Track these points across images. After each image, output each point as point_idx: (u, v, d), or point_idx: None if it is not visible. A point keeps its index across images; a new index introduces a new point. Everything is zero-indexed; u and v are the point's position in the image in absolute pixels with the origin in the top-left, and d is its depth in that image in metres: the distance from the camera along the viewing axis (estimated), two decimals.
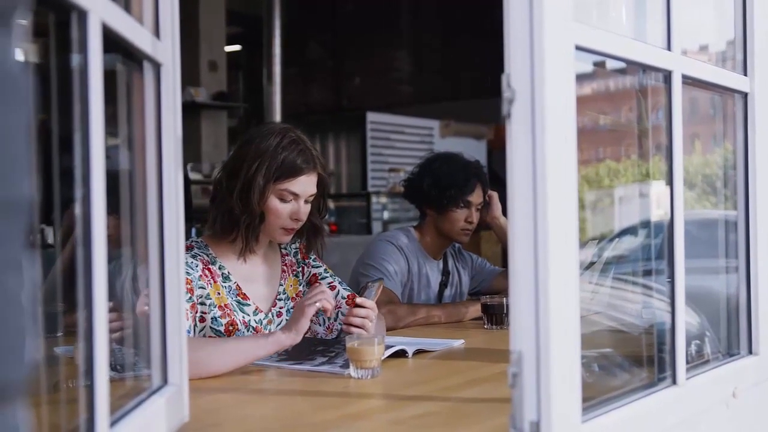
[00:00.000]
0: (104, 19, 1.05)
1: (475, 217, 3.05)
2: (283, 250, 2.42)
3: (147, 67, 1.35)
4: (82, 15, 1.01)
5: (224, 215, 2.21)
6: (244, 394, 1.80)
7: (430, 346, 2.27)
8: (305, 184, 2.22)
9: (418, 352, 2.20)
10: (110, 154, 1.12)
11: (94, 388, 1.02)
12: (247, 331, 2.22)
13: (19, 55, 0.60)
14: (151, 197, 1.37)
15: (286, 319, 2.31)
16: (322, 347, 2.13)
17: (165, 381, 1.39)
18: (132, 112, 1.37)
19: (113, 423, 1.11)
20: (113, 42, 1.14)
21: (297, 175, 2.19)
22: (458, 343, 2.38)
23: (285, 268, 2.39)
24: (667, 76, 1.54)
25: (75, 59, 1.03)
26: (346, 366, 1.92)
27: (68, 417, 1.23)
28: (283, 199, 2.20)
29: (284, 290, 2.36)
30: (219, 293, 2.20)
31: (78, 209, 1.02)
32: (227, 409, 1.69)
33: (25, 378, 0.60)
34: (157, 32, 1.36)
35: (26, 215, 0.60)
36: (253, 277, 2.30)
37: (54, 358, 1.57)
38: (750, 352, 1.83)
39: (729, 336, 1.88)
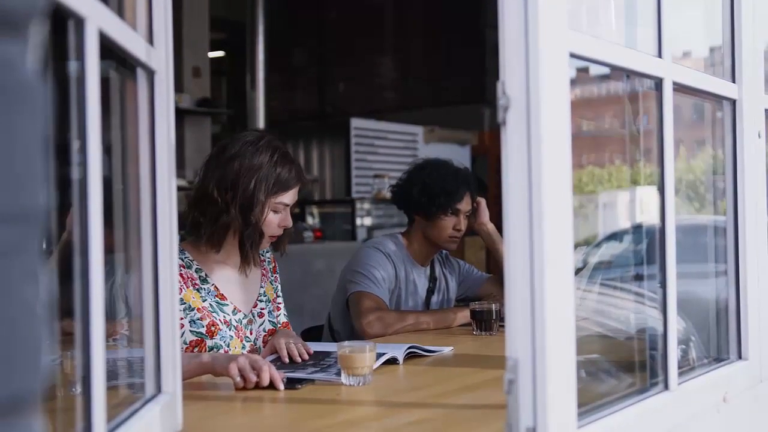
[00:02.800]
0: (101, 27, 1.05)
1: (463, 224, 3.05)
2: (260, 255, 2.47)
3: (140, 74, 1.35)
4: (80, 22, 1.00)
5: (222, 230, 2.26)
6: (237, 403, 1.79)
7: (421, 350, 2.27)
8: (294, 195, 2.33)
9: (410, 356, 2.20)
10: (103, 161, 1.12)
11: (91, 397, 1.01)
12: (229, 330, 2.26)
13: (34, 66, 0.59)
14: (144, 204, 1.37)
15: (268, 320, 2.40)
16: (312, 360, 2.13)
17: (159, 389, 1.38)
18: (125, 119, 1.37)
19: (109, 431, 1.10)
20: (107, 49, 1.13)
21: (291, 188, 2.30)
22: (448, 350, 2.38)
23: (264, 272, 2.47)
24: (659, 83, 1.55)
25: (71, 66, 1.02)
26: (339, 375, 1.92)
27: (63, 425, 1.23)
28: (275, 211, 2.29)
29: (264, 292, 2.43)
30: (194, 297, 2.24)
31: (75, 217, 1.01)
32: (220, 417, 1.68)
33: (41, 388, 0.60)
34: (150, 39, 1.36)
35: (42, 225, 0.59)
36: (233, 279, 2.35)
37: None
38: (740, 357, 1.84)
39: (718, 341, 1.90)
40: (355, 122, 8.38)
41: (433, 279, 3.19)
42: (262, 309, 2.40)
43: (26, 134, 0.57)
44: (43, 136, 0.60)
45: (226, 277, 2.34)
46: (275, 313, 2.47)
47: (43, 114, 0.59)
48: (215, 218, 2.24)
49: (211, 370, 1.95)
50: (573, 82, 1.54)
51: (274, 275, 2.52)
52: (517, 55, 1.18)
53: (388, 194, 3.32)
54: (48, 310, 0.61)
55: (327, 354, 2.20)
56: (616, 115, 1.98)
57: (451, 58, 9.34)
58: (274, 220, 2.29)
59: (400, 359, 2.15)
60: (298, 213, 7.32)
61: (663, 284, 1.55)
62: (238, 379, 1.84)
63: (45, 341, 0.60)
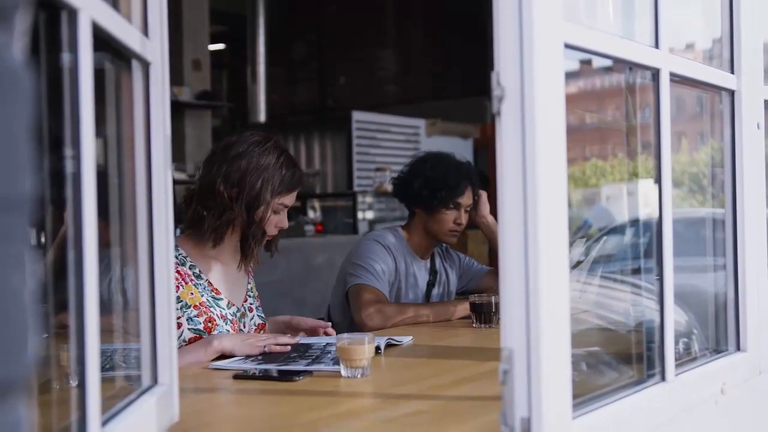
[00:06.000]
0: (94, 18, 1.05)
1: (464, 218, 3.05)
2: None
3: (135, 66, 1.34)
4: (72, 13, 1.00)
5: (225, 225, 2.29)
6: (234, 394, 1.79)
7: (393, 341, 2.33)
8: (294, 197, 2.39)
9: (412, 349, 2.22)
10: (97, 154, 1.12)
11: (86, 388, 1.01)
12: (225, 324, 2.30)
13: (20, 54, 0.60)
14: (140, 197, 1.37)
15: (257, 315, 2.46)
16: (295, 354, 2.13)
17: (155, 381, 1.38)
18: (120, 112, 1.37)
19: (104, 423, 1.10)
20: (102, 40, 1.13)
21: (294, 191, 2.36)
22: (408, 340, 2.40)
23: (250, 270, 2.52)
24: (655, 74, 1.54)
25: (65, 58, 1.02)
26: (336, 363, 1.92)
27: (58, 417, 1.23)
28: (275, 212, 2.34)
29: (251, 288, 2.49)
30: (192, 293, 2.27)
31: (68, 210, 1.01)
32: (217, 409, 1.68)
33: (27, 375, 0.60)
34: (145, 31, 1.36)
35: (28, 213, 0.60)
36: (225, 275, 2.39)
37: (41, 359, 1.56)
38: (738, 348, 1.84)
39: (717, 333, 1.89)
40: (357, 115, 8.37)
41: (433, 272, 3.19)
42: (251, 304, 2.46)
43: (11, 123, 0.57)
44: (29, 125, 0.60)
45: (217, 272, 2.38)
46: (261, 308, 2.52)
47: (28, 103, 0.60)
48: (220, 213, 2.28)
49: (230, 354, 2.11)
50: (576, 75, 1.54)
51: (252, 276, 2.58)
52: (512, 45, 1.18)
53: (389, 187, 3.32)
54: (35, 297, 0.61)
55: (309, 346, 2.21)
56: (620, 108, 1.98)
57: (453, 50, 9.34)
58: (273, 220, 2.34)
59: (382, 348, 2.18)
60: (300, 207, 7.33)
61: (660, 275, 1.55)
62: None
63: (32, 328, 0.60)
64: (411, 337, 2.44)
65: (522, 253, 1.18)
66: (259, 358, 2.09)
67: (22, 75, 0.59)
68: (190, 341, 2.21)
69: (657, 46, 1.54)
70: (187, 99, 7.49)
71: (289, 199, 2.36)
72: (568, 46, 1.26)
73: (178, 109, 7.37)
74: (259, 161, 2.29)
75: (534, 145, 1.17)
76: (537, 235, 1.16)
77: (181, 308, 2.22)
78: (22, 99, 0.58)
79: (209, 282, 2.33)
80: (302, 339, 2.30)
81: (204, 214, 2.28)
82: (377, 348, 2.15)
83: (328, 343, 2.23)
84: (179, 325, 2.20)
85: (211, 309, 2.28)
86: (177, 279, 2.24)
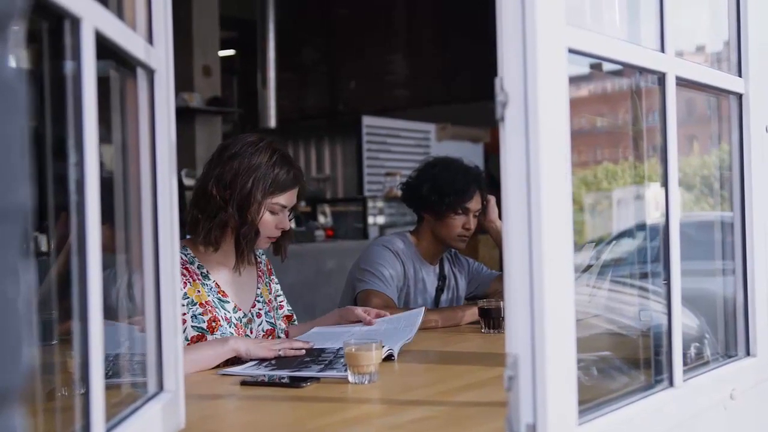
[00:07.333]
0: (97, 26, 1.05)
1: (473, 223, 3.05)
2: (256, 256, 2.52)
3: (140, 74, 1.35)
4: (75, 22, 1.01)
5: (219, 227, 2.29)
6: (241, 401, 1.79)
7: (403, 332, 2.34)
8: (293, 197, 2.37)
9: (418, 353, 2.23)
10: (103, 160, 1.12)
11: (90, 395, 1.01)
12: (229, 327, 2.30)
13: (15, 63, 0.60)
14: (145, 204, 1.37)
15: (266, 321, 2.44)
16: (309, 359, 2.13)
17: (161, 388, 1.38)
18: (125, 119, 1.37)
19: (109, 430, 1.11)
20: (106, 48, 1.14)
21: (288, 190, 2.34)
22: (418, 311, 2.45)
23: (260, 274, 2.50)
24: (661, 78, 1.54)
25: (68, 66, 1.03)
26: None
27: (64, 424, 1.23)
28: (272, 212, 2.33)
29: (261, 293, 2.47)
30: (199, 291, 2.28)
31: (72, 216, 1.02)
32: (223, 415, 1.68)
33: (22, 384, 0.60)
34: (150, 38, 1.36)
35: (23, 222, 0.60)
36: (232, 280, 2.39)
37: (48, 366, 1.56)
38: (748, 353, 1.83)
39: (727, 338, 1.88)
40: (367, 120, 8.38)
41: (442, 277, 3.18)
42: (259, 310, 2.45)
43: (6, 133, 0.57)
44: (25, 135, 0.60)
45: (225, 276, 2.37)
46: (271, 314, 2.49)
47: (24, 113, 0.60)
48: (213, 215, 2.28)
49: (244, 356, 2.11)
50: (587, 78, 1.54)
51: (270, 277, 2.56)
52: (515, 51, 1.18)
53: (400, 192, 3.32)
54: (30, 307, 0.61)
55: (322, 350, 2.21)
56: (630, 111, 1.97)
57: (462, 53, 9.32)
58: (271, 221, 2.33)
59: (395, 354, 2.17)
60: (310, 212, 7.34)
61: (667, 280, 1.54)
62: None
63: (27, 338, 0.61)
64: (422, 308, 2.49)
65: (526, 259, 1.17)
66: (273, 363, 2.09)
67: (18, 85, 0.59)
68: (193, 339, 2.21)
69: (663, 50, 1.54)
70: (198, 105, 7.49)
71: (285, 199, 2.34)
72: (571, 50, 1.26)
73: (188, 115, 7.38)
74: (251, 161, 2.28)
75: (538, 150, 1.16)
76: (541, 240, 1.16)
77: (186, 305, 2.22)
78: (17, 110, 0.58)
79: (217, 284, 2.33)
80: (316, 344, 2.29)
81: (199, 217, 2.29)
82: (390, 355, 2.14)
83: (341, 348, 2.23)
84: (183, 322, 2.20)
85: (216, 310, 2.28)
86: (185, 275, 2.25)
